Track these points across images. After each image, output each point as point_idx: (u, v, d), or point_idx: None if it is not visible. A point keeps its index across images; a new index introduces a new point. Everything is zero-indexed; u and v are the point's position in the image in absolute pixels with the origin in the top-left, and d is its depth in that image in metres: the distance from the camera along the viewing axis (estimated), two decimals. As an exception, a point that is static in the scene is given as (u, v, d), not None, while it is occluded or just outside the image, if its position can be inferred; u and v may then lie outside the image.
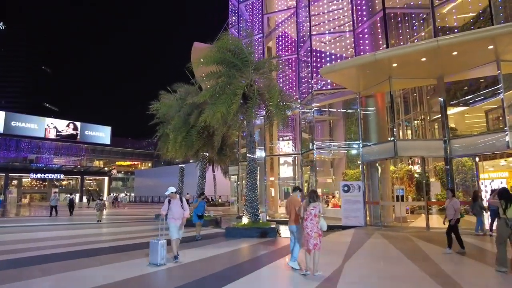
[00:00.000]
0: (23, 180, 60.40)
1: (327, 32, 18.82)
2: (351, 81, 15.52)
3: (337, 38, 18.73)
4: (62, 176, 60.68)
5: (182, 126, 16.18)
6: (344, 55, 18.64)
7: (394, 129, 14.72)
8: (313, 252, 6.47)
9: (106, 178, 66.26)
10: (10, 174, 55.41)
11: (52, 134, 65.39)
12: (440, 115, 18.72)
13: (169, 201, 7.80)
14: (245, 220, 12.75)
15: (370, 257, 8.69)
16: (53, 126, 65.76)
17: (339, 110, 22.43)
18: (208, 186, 44.51)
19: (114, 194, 54.34)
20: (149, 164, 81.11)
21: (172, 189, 7.89)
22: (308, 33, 17.77)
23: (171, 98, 20.87)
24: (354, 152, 19.23)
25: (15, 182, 58.46)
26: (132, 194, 62.04)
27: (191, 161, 78.03)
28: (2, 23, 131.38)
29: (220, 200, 41.14)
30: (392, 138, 14.44)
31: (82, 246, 10.22)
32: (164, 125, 21.11)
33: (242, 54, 13.04)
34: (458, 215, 8.61)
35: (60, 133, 66.27)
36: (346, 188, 16.02)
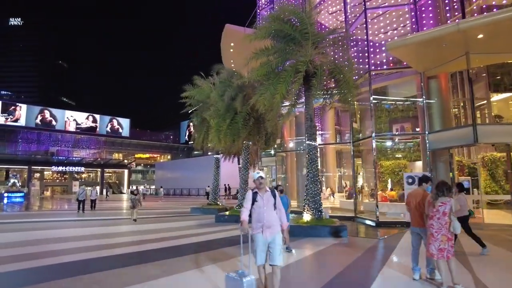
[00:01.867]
0: (45, 173, 60.39)
1: (381, 6, 16.76)
2: (419, 58, 13.57)
3: (393, 14, 16.67)
4: (82, 168, 60.39)
5: (226, 112, 14.55)
6: (402, 31, 16.61)
7: (466, 113, 12.78)
8: (445, 260, 5.03)
9: (126, 171, 65.77)
10: (32, 167, 55.34)
11: (72, 127, 65.08)
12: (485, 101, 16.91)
13: (254, 196, 4.71)
14: (306, 217, 11.11)
15: (498, 265, 6.95)
16: (72, 119, 65.42)
17: (393, 92, 20.13)
18: (228, 178, 43.51)
19: (143, 188, 53.71)
20: (168, 157, 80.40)
21: (260, 174, 4.74)
22: (363, 7, 15.79)
23: (206, 84, 19.39)
24: (417, 140, 17.15)
25: (37, 175, 58.44)
26: (153, 187, 61.23)
27: (209, 153, 76.98)
28: (20, 18, 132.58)
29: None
30: (471, 123, 12.53)
31: (129, 248, 8.80)
32: (198, 113, 19.66)
33: (303, 25, 11.25)
34: (465, 212, 7.77)
35: (80, 126, 65.91)
36: (410, 180, 14.23)
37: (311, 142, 11.38)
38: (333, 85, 11.80)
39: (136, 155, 75.20)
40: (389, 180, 18.77)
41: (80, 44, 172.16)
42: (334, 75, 11.14)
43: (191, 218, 16.23)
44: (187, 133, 77.80)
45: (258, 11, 31.16)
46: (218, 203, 19.72)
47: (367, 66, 16.25)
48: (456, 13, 15.19)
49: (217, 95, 15.03)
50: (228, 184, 41.63)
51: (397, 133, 18.28)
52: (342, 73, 10.86)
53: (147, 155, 78.17)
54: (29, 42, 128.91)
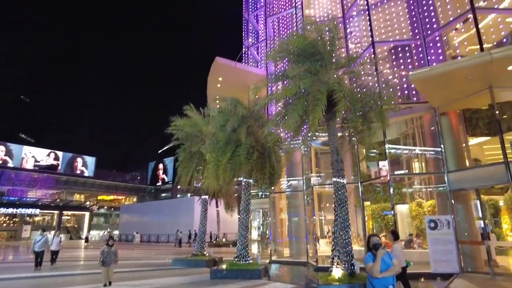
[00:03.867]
0: (-11, 215, 53.33)
1: (389, 40, 16.22)
2: (439, 91, 12.63)
3: (399, 49, 16.15)
4: (37, 211, 54.03)
5: (227, 144, 12.57)
6: (410, 66, 15.98)
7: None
8: None
9: (87, 214, 59.84)
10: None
11: (29, 164, 59.40)
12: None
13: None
14: (337, 272, 8.95)
15: None
16: (31, 156, 59.97)
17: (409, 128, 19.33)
18: (209, 223, 40.19)
19: (108, 232, 48.36)
20: (134, 199, 75.00)
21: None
22: (371, 40, 15.09)
23: (197, 116, 17.51)
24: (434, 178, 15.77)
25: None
26: (116, 232, 55.73)
27: (189, 195, 72.91)
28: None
29: (224, 240, 36.46)
30: (503, 161, 11.40)
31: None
32: (185, 148, 17.50)
33: (332, 43, 9.95)
34: (402, 263, 6.94)
35: (39, 163, 60.31)
36: (432, 225, 12.62)
37: (338, 179, 9.56)
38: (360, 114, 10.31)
39: (99, 197, 69.37)
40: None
41: (45, 79, 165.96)
42: (365, 103, 9.71)
43: (178, 273, 13.36)
44: (173, 172, 74.05)
45: (245, 50, 30.72)
46: (205, 253, 16.92)
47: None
48: (467, 49, 14.87)
49: (217, 126, 13.11)
50: (211, 231, 38.19)
51: (414, 173, 16.73)
52: (375, 102, 9.45)
53: (112, 197, 72.37)
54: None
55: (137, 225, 50.32)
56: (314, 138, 11.07)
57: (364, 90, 10.08)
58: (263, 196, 23.16)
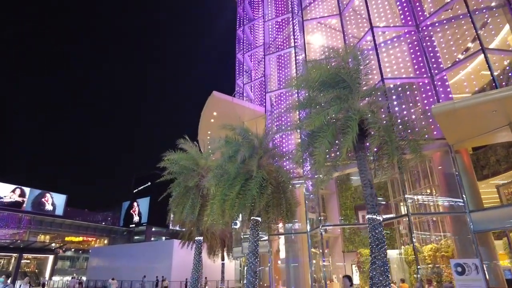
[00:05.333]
0: None
1: (398, 77, 16.10)
2: (458, 126, 12.26)
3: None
4: (-7, 253, 48.46)
5: (235, 177, 11.34)
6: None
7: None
8: None
9: (51, 257, 54.15)
10: None
11: (-10, 201, 54.36)
12: None
13: None
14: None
15: None
16: (-7, 191, 55.08)
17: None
18: (187, 268, 37.09)
19: (76, 277, 43.31)
20: (105, 241, 69.47)
21: None
22: (380, 76, 14.92)
23: (193, 149, 16.30)
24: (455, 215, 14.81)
25: None
26: (83, 278, 50.47)
27: (163, 238, 68.39)
28: None
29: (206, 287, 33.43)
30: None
31: None
32: (179, 182, 16.02)
33: (357, 73, 9.36)
34: None
35: (2, 200, 55.33)
36: (460, 269, 11.55)
37: (374, 216, 8.48)
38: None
39: (67, 238, 63.78)
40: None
41: (10, 109, 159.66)
42: (398, 134, 8.98)
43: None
44: (148, 213, 69.84)
45: (237, 88, 30.50)
46: (199, 303, 14.84)
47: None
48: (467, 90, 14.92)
49: (224, 156, 11.92)
50: (187, 279, 34.98)
51: (435, 212, 15.80)
52: (412, 133, 8.76)
53: (81, 238, 66.74)
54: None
55: (108, 270, 45.84)
56: (337, 170, 10.08)
57: (398, 121, 9.36)
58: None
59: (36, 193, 59.45)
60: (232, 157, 11.51)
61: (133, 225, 76.87)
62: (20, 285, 12.58)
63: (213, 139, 12.56)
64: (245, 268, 11.77)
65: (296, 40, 22.17)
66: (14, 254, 50.71)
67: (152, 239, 72.99)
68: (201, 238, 15.76)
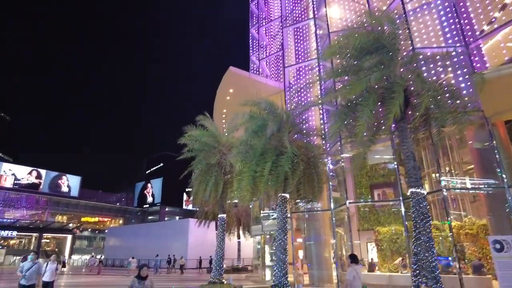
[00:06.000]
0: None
1: (434, 46, 15.18)
2: (499, 97, 11.49)
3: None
4: (14, 233, 49.70)
5: (263, 153, 10.90)
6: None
7: None
8: None
9: (69, 237, 55.60)
10: None
11: (8, 182, 55.41)
12: None
13: None
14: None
15: None
16: (11, 173, 56.07)
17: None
18: (210, 247, 37.40)
19: (94, 256, 44.26)
20: (120, 222, 70.91)
21: None
22: (411, 46, 14.05)
23: (212, 125, 15.88)
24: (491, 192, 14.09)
25: None
26: (100, 256, 51.73)
27: (177, 217, 69.45)
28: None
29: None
30: None
31: None
32: (200, 159, 15.69)
33: (395, 38, 8.65)
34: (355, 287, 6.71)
35: (19, 182, 56.39)
36: (498, 246, 11.04)
37: (418, 190, 7.99)
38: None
39: (83, 219, 65.16)
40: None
41: (24, 95, 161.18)
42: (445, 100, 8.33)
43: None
44: (161, 193, 70.79)
45: (252, 64, 29.68)
46: (224, 280, 14.76)
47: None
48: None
49: (249, 132, 11.44)
50: (200, 256, 35.39)
51: (472, 187, 15.09)
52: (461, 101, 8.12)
53: (96, 219, 68.17)
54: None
55: (124, 249, 46.83)
56: (374, 143, 9.53)
57: (445, 89, 8.70)
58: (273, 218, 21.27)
59: (52, 175, 60.41)
60: (259, 132, 11.02)
61: (147, 206, 78.26)
62: (47, 264, 12.30)
63: (237, 114, 12.05)
64: (275, 245, 11.46)
65: (315, 12, 21.16)
66: (35, 234, 52.09)
67: (166, 218, 74.25)
68: (224, 215, 15.56)
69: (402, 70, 9.45)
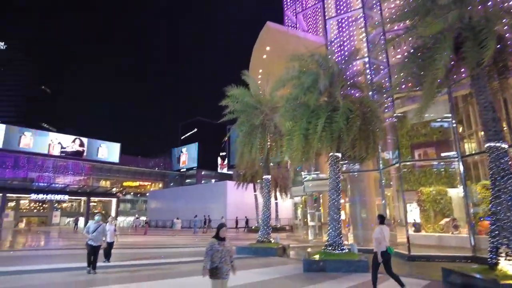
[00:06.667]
0: (21, 201, 53.06)
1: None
2: None
3: None
4: (66, 197, 53.48)
5: (314, 109, 10.27)
6: None
7: None
8: None
9: (114, 200, 59.10)
10: (7, 195, 48.15)
11: (56, 151, 58.87)
12: None
13: None
14: (507, 265, 6.65)
15: None
16: (57, 142, 59.37)
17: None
18: (247, 208, 38.31)
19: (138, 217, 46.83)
20: (160, 185, 74.23)
21: None
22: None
23: (255, 85, 15.27)
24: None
25: (11, 204, 51.09)
26: (143, 218, 54.81)
27: (213, 180, 71.48)
28: (3, 43, 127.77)
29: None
30: None
31: None
32: (243, 121, 15.31)
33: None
34: (380, 247, 6.85)
35: (65, 150, 59.73)
36: None
37: (498, 144, 7.14)
38: None
39: (124, 183, 68.74)
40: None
41: (65, 69, 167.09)
42: None
43: (255, 264, 11.34)
44: (197, 157, 72.55)
45: (286, 18, 28.08)
46: (271, 240, 14.86)
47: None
48: None
49: (298, 88, 10.77)
50: (237, 217, 36.32)
51: None
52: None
53: (137, 183, 71.71)
54: (11, 67, 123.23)
55: (166, 211, 49.14)
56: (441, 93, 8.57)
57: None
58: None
59: (93, 142, 63.36)
60: (310, 87, 10.32)
61: (184, 170, 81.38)
62: (109, 227, 12.23)
63: (288, 68, 11.32)
64: (328, 205, 11.13)
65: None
66: (83, 198, 55.77)
67: (202, 181, 76.88)
68: (269, 176, 15.34)
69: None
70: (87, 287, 7.81)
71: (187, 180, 79.29)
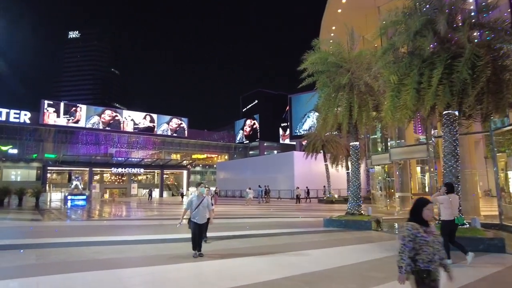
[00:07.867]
0: (104, 175, 58.36)
1: None
2: None
3: None
4: (142, 170, 57.39)
5: (429, 58, 8.41)
6: None
7: None
8: None
9: (185, 172, 62.02)
10: (93, 169, 53.17)
11: (129, 127, 62.96)
12: None
13: None
14: None
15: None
16: (130, 119, 63.32)
17: None
18: (314, 178, 37.21)
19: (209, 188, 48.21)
20: (226, 157, 76.39)
21: None
22: None
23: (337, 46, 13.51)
24: None
25: (96, 177, 56.43)
26: (213, 188, 56.79)
27: (275, 151, 71.26)
28: (77, 31, 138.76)
29: (336, 196, 33.16)
30: None
31: None
32: (325, 82, 13.77)
33: None
34: (446, 216, 6.84)
35: (138, 126, 63.61)
36: None
37: None
38: None
39: (193, 156, 71.90)
40: None
41: (133, 51, 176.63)
42: None
43: (349, 239, 10.24)
44: (259, 129, 72.82)
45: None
46: (363, 212, 13.55)
47: None
48: None
49: (405, 34, 8.90)
50: (307, 187, 35.26)
51: None
52: None
53: (205, 155, 74.66)
54: (85, 53, 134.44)
55: (234, 181, 50.19)
56: None
57: None
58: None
59: (162, 118, 66.46)
60: (423, 30, 8.43)
61: (247, 141, 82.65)
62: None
63: (390, 11, 9.45)
64: (443, 173, 9.42)
65: None
66: (157, 170, 59.33)
67: (265, 153, 77.33)
68: (358, 143, 13.80)
69: None
70: (191, 261, 7.36)
71: (250, 152, 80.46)
